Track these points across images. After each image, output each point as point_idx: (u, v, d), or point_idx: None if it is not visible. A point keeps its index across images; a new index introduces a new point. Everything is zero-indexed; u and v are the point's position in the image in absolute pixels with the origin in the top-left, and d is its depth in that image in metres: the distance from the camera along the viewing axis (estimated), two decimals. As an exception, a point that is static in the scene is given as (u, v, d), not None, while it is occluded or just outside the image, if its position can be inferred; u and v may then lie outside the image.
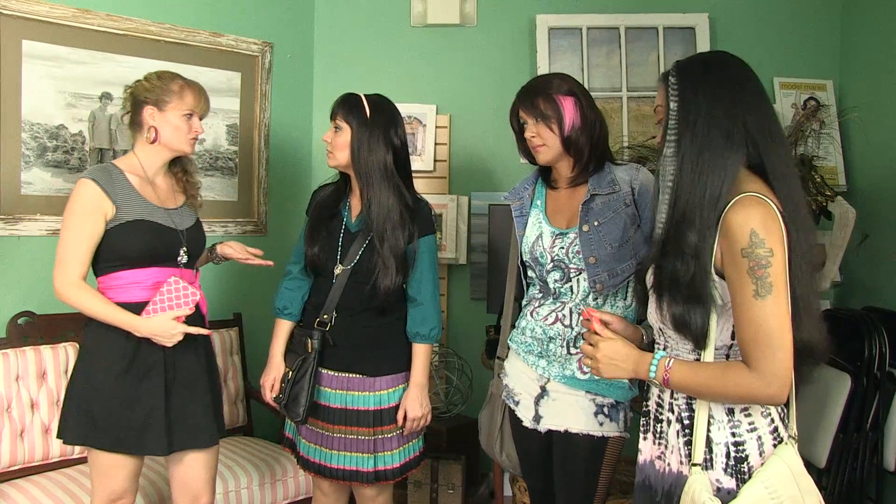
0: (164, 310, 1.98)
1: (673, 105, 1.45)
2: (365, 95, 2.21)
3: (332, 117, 2.21)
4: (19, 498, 2.32)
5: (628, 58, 3.41)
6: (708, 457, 1.46)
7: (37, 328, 2.59)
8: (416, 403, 2.20)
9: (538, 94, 1.96)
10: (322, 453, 2.22)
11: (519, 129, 2.04)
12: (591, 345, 1.57)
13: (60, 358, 2.54)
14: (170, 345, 1.98)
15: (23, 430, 2.47)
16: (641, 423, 1.64)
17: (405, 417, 2.19)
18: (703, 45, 3.35)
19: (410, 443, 2.26)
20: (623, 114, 3.38)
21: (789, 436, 1.48)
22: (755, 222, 1.36)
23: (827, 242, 2.90)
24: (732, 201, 1.39)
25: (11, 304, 2.61)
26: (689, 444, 1.49)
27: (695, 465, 1.45)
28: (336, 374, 2.20)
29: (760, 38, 3.38)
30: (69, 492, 2.36)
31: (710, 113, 1.42)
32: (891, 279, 2.96)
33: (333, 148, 2.19)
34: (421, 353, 2.23)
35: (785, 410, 1.51)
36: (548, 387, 1.98)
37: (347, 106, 2.19)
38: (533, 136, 1.98)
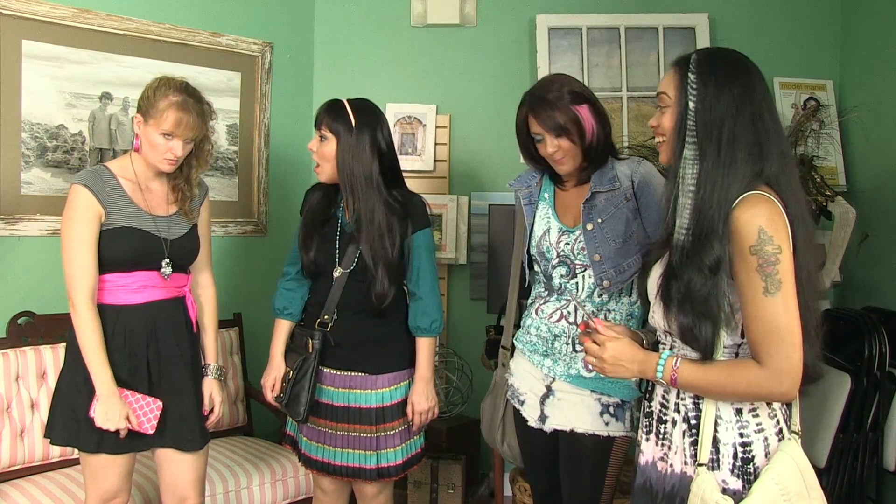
0: (134, 411, 1.96)
1: (692, 105, 1.43)
2: (349, 101, 2.19)
3: (317, 125, 2.18)
4: (19, 498, 2.32)
5: (628, 58, 3.41)
6: (714, 457, 1.45)
7: (37, 328, 2.60)
8: (422, 397, 2.21)
9: (555, 108, 1.91)
10: (325, 451, 2.22)
11: (527, 137, 1.99)
12: (596, 343, 1.56)
13: (60, 358, 2.52)
14: (102, 424, 1.93)
15: (23, 430, 2.47)
16: (643, 424, 1.63)
17: (412, 412, 2.21)
18: (703, 45, 3.34)
19: (412, 439, 2.27)
20: (623, 114, 3.38)
21: (793, 431, 1.48)
22: (763, 220, 1.36)
23: (827, 242, 2.90)
24: (738, 199, 1.39)
25: (11, 304, 2.61)
26: (695, 444, 1.48)
27: (700, 464, 1.44)
28: (338, 373, 2.21)
29: (760, 38, 3.37)
30: (69, 492, 2.36)
31: (734, 124, 1.41)
32: (891, 279, 2.96)
33: (320, 159, 2.17)
34: (424, 347, 2.23)
35: (788, 410, 1.52)
36: (553, 386, 1.98)
37: (333, 114, 2.16)
38: (555, 151, 1.93)
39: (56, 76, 2.71)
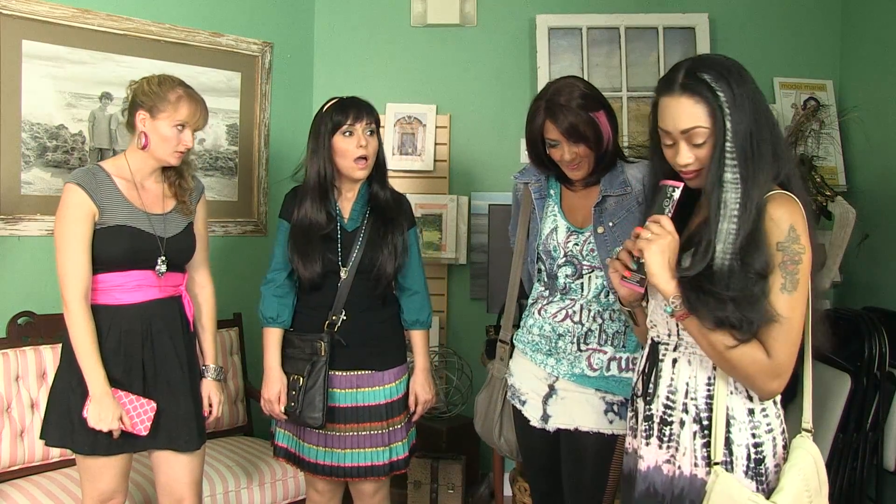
0: (128, 412, 1.95)
1: (729, 125, 1.38)
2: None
3: (363, 120, 2.18)
4: (19, 498, 2.32)
5: (628, 58, 3.41)
6: (728, 459, 1.44)
7: (37, 328, 2.59)
8: (425, 387, 2.30)
9: (575, 115, 1.88)
10: (333, 454, 2.22)
11: (541, 142, 1.96)
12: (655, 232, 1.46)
13: (60, 358, 2.54)
14: (95, 424, 1.92)
15: (23, 430, 2.47)
16: (642, 428, 1.59)
17: (416, 402, 2.29)
18: (703, 45, 3.35)
19: (411, 431, 2.34)
20: (623, 114, 3.38)
21: (805, 429, 1.49)
22: (794, 218, 1.38)
23: (827, 242, 2.90)
24: (766, 196, 1.39)
25: (11, 304, 2.60)
26: (707, 445, 1.47)
27: (716, 464, 1.43)
28: (344, 374, 2.21)
29: (760, 38, 3.38)
30: (69, 492, 2.36)
31: (758, 132, 1.39)
32: (891, 279, 2.97)
33: (370, 154, 2.19)
34: (421, 339, 2.33)
35: (784, 412, 1.52)
36: (556, 385, 1.97)
37: (372, 109, 2.23)
38: (573, 158, 1.92)
39: (56, 76, 2.71)
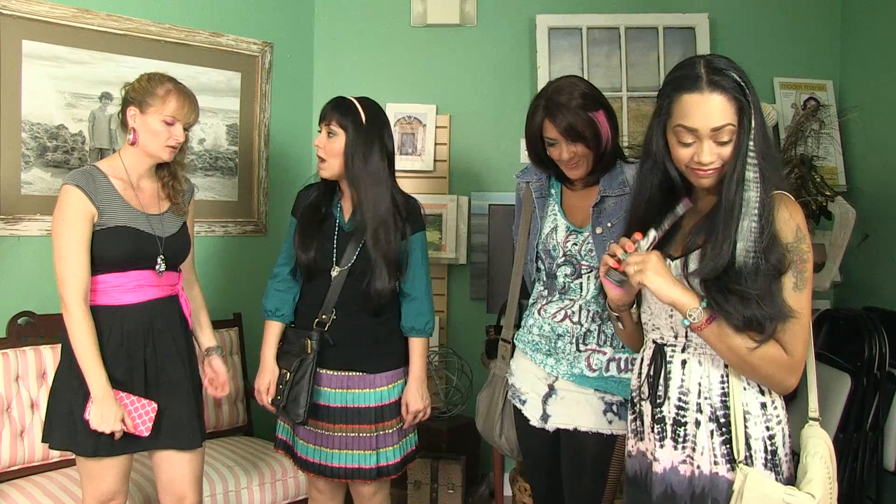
0: (129, 413, 1.96)
1: (754, 122, 1.40)
2: (357, 99, 2.20)
3: (325, 121, 2.18)
4: (19, 498, 2.32)
5: (628, 58, 3.41)
6: (747, 454, 1.46)
7: (37, 328, 2.60)
8: (417, 397, 2.24)
9: (573, 114, 1.89)
10: (322, 453, 2.22)
11: (539, 141, 1.97)
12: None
13: (60, 358, 2.54)
14: (97, 426, 1.92)
15: (23, 430, 2.47)
16: (655, 431, 1.57)
17: (407, 411, 2.24)
18: (703, 45, 3.35)
19: (408, 437, 2.30)
20: (623, 114, 3.38)
21: (812, 417, 1.54)
22: (799, 219, 1.41)
23: (827, 242, 2.90)
24: (770, 196, 1.41)
25: (11, 304, 2.60)
26: (726, 443, 1.48)
27: (740, 462, 1.45)
28: (335, 374, 2.21)
29: (760, 38, 3.38)
30: (69, 492, 2.36)
31: (768, 131, 1.43)
32: (891, 279, 2.96)
33: (327, 155, 2.16)
34: (418, 348, 2.27)
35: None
36: (556, 385, 1.98)
37: (341, 110, 2.16)
38: (571, 157, 1.92)
39: (56, 76, 2.71)
